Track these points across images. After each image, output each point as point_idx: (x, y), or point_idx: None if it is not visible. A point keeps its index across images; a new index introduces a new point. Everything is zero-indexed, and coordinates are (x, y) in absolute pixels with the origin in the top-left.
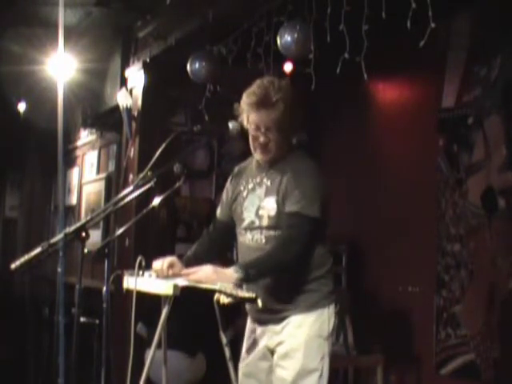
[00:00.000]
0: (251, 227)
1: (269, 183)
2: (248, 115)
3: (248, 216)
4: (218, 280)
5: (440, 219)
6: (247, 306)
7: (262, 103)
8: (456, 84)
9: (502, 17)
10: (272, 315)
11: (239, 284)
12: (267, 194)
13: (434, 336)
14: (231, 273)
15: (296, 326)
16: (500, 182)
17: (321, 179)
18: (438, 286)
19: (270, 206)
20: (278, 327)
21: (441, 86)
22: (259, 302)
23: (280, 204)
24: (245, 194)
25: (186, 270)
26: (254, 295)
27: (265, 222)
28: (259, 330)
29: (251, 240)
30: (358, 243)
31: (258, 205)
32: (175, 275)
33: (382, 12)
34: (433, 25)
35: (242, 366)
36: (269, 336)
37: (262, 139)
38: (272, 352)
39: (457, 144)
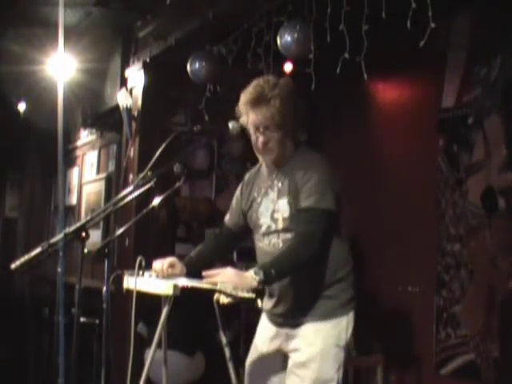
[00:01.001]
0: (268, 232)
1: (280, 185)
2: (247, 116)
3: (264, 222)
4: (240, 283)
5: (440, 219)
6: (264, 306)
7: (257, 101)
8: (456, 84)
9: (502, 17)
10: (287, 319)
11: (262, 287)
12: (279, 196)
13: (434, 336)
14: (252, 276)
15: (312, 334)
16: (500, 182)
17: (329, 171)
18: (438, 286)
19: (283, 207)
20: (293, 332)
21: (441, 86)
22: (259, 303)
23: (292, 204)
24: (259, 199)
25: (207, 272)
26: (253, 295)
27: (280, 225)
28: (273, 330)
29: (268, 245)
30: (358, 243)
31: (272, 209)
32: (175, 275)
33: (382, 12)
34: (433, 25)
35: (249, 361)
36: (283, 338)
37: (261, 139)
38: (285, 354)
39: (457, 144)
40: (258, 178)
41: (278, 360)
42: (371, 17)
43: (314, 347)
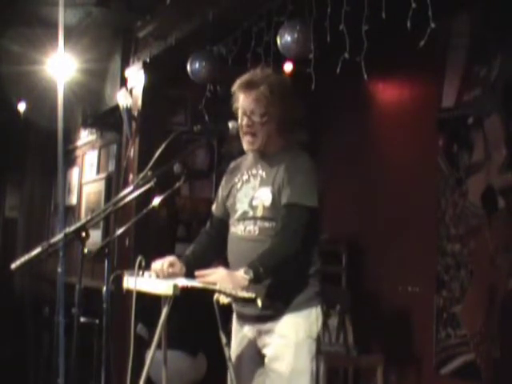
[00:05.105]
0: (244, 217)
1: (264, 174)
2: (238, 101)
3: (240, 207)
4: (232, 283)
5: (440, 219)
6: (234, 306)
7: (247, 85)
8: (456, 84)
9: (502, 17)
10: (257, 309)
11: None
12: (262, 184)
13: (434, 336)
14: (242, 276)
15: (284, 327)
16: (500, 182)
17: (315, 171)
18: (438, 286)
19: (264, 196)
20: (264, 327)
21: (441, 86)
22: (259, 302)
23: (275, 195)
24: (239, 185)
25: (199, 272)
26: (253, 295)
27: (259, 213)
28: (242, 333)
29: (243, 231)
30: (358, 243)
31: (251, 195)
32: (175, 275)
33: (382, 12)
34: (433, 25)
35: (233, 355)
36: (255, 335)
37: (245, 121)
38: (260, 352)
39: (457, 144)
40: (242, 166)
41: (258, 362)
42: (371, 17)
43: (288, 340)
